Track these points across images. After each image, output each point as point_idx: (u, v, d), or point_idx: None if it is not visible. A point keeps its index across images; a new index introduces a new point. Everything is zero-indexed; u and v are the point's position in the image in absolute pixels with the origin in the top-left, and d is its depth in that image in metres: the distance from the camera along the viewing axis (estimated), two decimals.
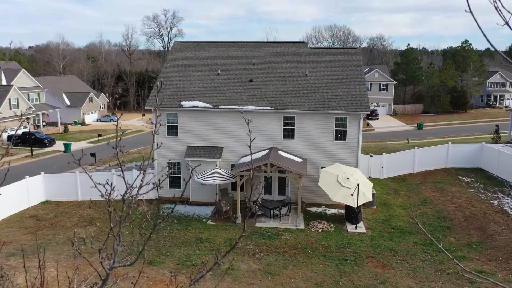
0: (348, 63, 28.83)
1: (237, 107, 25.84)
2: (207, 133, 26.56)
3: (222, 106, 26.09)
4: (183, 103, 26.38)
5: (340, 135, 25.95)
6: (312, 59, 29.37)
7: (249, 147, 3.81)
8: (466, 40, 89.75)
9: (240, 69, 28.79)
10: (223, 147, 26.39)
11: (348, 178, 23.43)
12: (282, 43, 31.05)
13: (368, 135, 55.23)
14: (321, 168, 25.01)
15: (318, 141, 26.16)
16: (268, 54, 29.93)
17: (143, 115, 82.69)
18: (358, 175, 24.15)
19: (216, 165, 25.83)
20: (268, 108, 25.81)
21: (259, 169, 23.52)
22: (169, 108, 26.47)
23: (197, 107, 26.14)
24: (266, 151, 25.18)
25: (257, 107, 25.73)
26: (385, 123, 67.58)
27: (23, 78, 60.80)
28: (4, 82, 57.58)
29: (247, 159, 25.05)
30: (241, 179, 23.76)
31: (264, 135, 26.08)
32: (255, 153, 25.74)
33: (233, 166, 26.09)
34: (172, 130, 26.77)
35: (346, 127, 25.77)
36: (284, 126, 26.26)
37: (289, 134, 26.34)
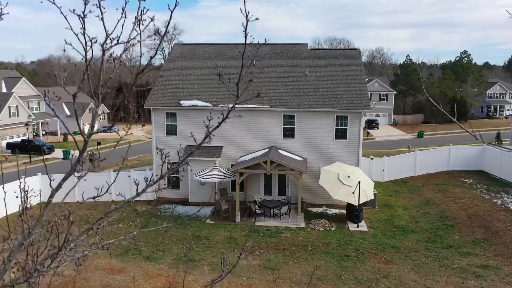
0: (348, 63, 28.72)
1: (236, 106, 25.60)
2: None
3: (221, 105, 25.89)
4: (182, 102, 26.20)
5: (341, 134, 25.66)
6: (312, 59, 29.28)
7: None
8: (465, 51, 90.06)
9: (239, 70, 28.58)
10: (222, 146, 26.10)
11: (349, 177, 23.08)
12: (282, 44, 30.98)
13: (369, 143, 54.86)
14: (321, 167, 24.67)
15: (318, 140, 25.86)
16: (268, 55, 29.85)
17: (143, 125, 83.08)
18: (359, 174, 23.79)
19: (215, 164, 25.50)
20: (268, 106, 25.61)
21: (258, 166, 23.19)
22: (168, 107, 26.28)
23: (197, 106, 25.95)
24: (266, 150, 24.89)
25: (257, 106, 25.52)
26: (385, 132, 67.26)
27: (23, 87, 60.80)
28: (4, 90, 57.58)
29: (247, 158, 24.75)
30: (240, 177, 23.43)
31: (263, 134, 25.85)
32: (254, 152, 25.43)
33: (232, 165, 25.76)
34: (171, 130, 26.52)
35: (346, 126, 25.51)
36: (284, 125, 26.00)
37: (289, 133, 26.07)
